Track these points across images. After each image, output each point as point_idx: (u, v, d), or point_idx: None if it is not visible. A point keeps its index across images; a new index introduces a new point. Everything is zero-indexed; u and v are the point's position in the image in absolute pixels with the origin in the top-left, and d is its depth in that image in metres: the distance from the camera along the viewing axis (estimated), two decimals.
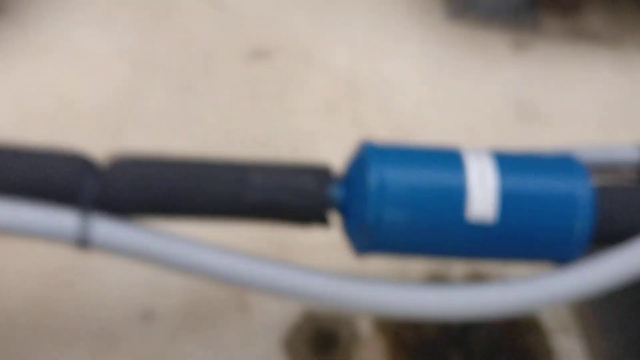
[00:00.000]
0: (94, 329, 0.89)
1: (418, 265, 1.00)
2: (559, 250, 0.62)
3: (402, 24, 1.44)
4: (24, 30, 1.31)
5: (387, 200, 0.58)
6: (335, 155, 1.13)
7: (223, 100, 1.23)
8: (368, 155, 0.61)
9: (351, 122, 1.21)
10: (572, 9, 1.56)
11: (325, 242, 0.89)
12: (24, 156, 0.60)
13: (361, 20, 1.43)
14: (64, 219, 0.56)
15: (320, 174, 0.63)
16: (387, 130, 1.21)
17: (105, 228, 0.58)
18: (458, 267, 1.00)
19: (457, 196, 0.59)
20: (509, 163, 0.63)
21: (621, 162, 0.76)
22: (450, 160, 0.62)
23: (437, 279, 0.97)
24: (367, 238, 0.59)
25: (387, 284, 0.60)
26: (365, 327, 0.91)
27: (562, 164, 0.65)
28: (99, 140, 1.13)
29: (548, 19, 1.51)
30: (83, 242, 0.57)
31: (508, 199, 0.60)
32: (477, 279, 0.97)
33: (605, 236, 0.64)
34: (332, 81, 1.29)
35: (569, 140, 1.25)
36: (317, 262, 0.93)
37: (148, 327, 0.89)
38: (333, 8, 1.44)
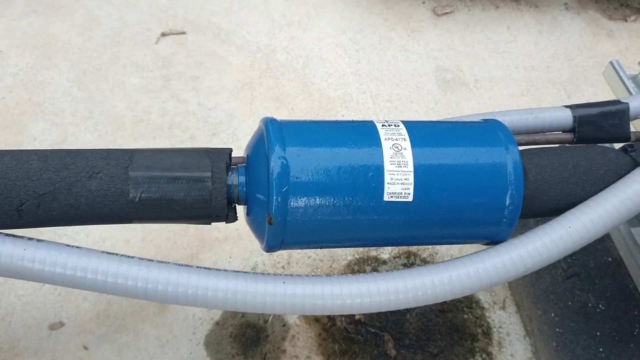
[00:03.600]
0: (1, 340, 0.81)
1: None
2: (488, 228, 0.58)
3: None
4: None
5: (294, 188, 0.51)
6: (242, 128, 1.06)
7: (132, 84, 1.14)
8: (269, 134, 0.53)
9: (273, 100, 1.15)
10: None
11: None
12: None
13: None
14: None
15: (216, 160, 0.54)
16: (310, 106, 1.15)
17: None
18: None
19: (372, 176, 0.53)
20: (427, 134, 0.57)
21: (549, 125, 0.73)
22: (363, 136, 0.56)
23: (366, 261, 0.92)
24: (273, 232, 0.52)
25: (305, 280, 0.55)
26: (293, 318, 0.86)
27: (486, 130, 0.60)
28: (1, 134, 1.03)
29: None
30: None
31: (428, 175, 0.55)
32: (407, 258, 0.93)
33: (535, 209, 0.61)
34: (250, 58, 1.22)
35: (496, 105, 1.22)
36: (241, 252, 0.87)
37: (57, 337, 0.82)
38: None
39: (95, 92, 1.14)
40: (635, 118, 0.76)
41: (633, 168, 0.62)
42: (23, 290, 0.86)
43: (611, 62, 0.88)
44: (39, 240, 0.51)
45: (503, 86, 1.25)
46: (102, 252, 0.53)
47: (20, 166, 0.51)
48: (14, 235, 0.51)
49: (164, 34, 1.25)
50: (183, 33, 1.26)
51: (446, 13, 1.40)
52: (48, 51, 1.19)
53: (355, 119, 1.14)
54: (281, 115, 1.12)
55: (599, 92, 1.26)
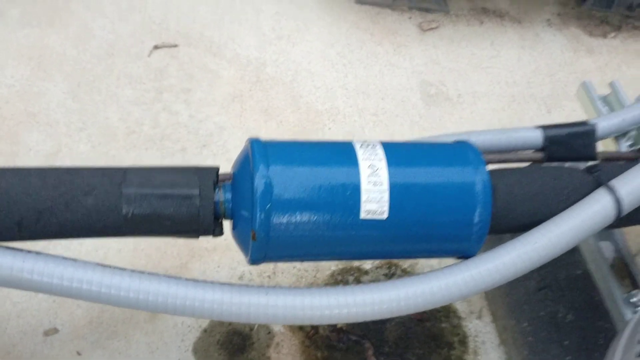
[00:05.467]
0: None
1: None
2: (458, 243, 0.62)
3: (310, 8, 1.41)
4: None
5: (277, 205, 0.55)
6: (231, 143, 1.10)
7: (125, 96, 1.18)
8: (254, 154, 0.57)
9: (262, 113, 1.18)
10: None
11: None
12: None
13: (268, 5, 1.40)
14: None
15: (204, 178, 0.58)
16: (298, 119, 1.19)
17: None
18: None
19: (350, 195, 0.57)
20: (402, 155, 0.61)
21: (522, 144, 0.77)
22: (342, 156, 0.60)
23: (349, 271, 0.96)
24: (258, 246, 0.56)
25: (287, 291, 0.58)
26: (279, 326, 0.90)
27: (457, 152, 0.64)
28: None
29: (455, 2, 1.53)
30: None
31: (400, 194, 0.58)
32: (389, 268, 0.97)
33: (502, 226, 0.64)
34: (241, 71, 1.25)
35: (478, 119, 1.27)
36: (226, 263, 0.91)
37: (52, 342, 0.85)
38: None
39: (88, 104, 1.17)
40: (603, 138, 0.81)
41: (595, 188, 0.66)
42: (18, 297, 0.89)
43: (583, 83, 0.92)
44: (37, 253, 0.55)
45: (486, 101, 1.30)
46: (97, 264, 0.57)
47: (21, 183, 0.55)
48: (13, 248, 0.55)
49: (156, 47, 1.28)
50: (175, 46, 1.29)
51: (432, 28, 1.44)
52: (43, 63, 1.22)
53: (341, 132, 1.18)
54: (270, 127, 1.16)
55: (578, 107, 1.30)
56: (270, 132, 1.15)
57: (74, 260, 0.56)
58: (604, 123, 0.79)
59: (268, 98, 1.23)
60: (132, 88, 1.20)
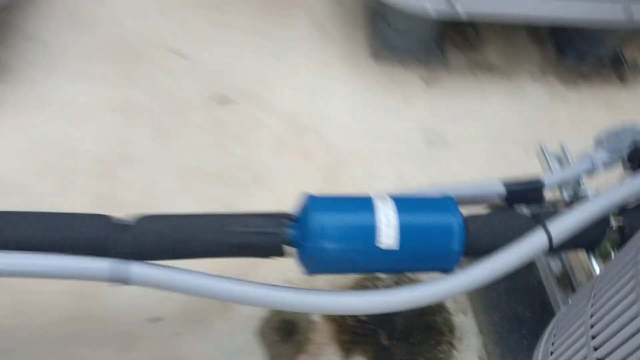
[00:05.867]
0: (116, 331, 1.19)
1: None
2: (442, 264, 0.96)
3: (335, 66, 1.76)
4: (23, 86, 1.57)
5: (325, 238, 0.89)
6: (287, 182, 1.45)
7: (195, 141, 1.52)
8: (310, 206, 0.92)
9: (298, 155, 1.53)
10: (475, 46, 1.91)
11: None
12: (61, 218, 0.89)
13: (302, 65, 1.74)
14: (102, 264, 0.86)
15: (279, 220, 0.93)
16: (327, 159, 1.53)
17: (139, 269, 0.88)
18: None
19: (371, 232, 0.91)
20: (405, 205, 0.95)
21: (489, 194, 1.11)
22: (365, 206, 0.93)
23: (369, 279, 1.31)
24: (312, 264, 0.91)
25: (332, 293, 0.93)
26: (317, 316, 1.24)
27: (442, 203, 0.98)
28: (99, 182, 1.41)
29: (454, 55, 1.86)
30: (125, 281, 0.87)
31: (405, 232, 0.92)
32: (398, 277, 1.32)
33: (472, 252, 0.98)
34: (281, 120, 1.60)
35: (471, 161, 1.60)
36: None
37: (156, 327, 1.20)
38: (279, 56, 1.74)
39: (167, 147, 1.51)
40: (550, 189, 1.14)
41: (536, 226, 1.00)
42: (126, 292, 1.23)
43: (540, 144, 1.26)
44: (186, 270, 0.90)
45: (477, 145, 1.63)
46: (208, 274, 0.91)
47: (171, 225, 0.90)
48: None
49: (216, 100, 1.63)
50: (231, 100, 1.64)
51: (434, 81, 1.78)
52: (129, 114, 1.57)
53: (362, 171, 1.52)
54: (307, 167, 1.50)
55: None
56: (308, 171, 1.49)
57: (201, 273, 0.91)
58: (551, 179, 1.13)
59: (304, 143, 1.57)
60: (200, 136, 1.55)
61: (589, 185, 1.18)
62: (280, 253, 0.93)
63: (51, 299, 1.21)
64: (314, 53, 1.77)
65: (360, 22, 1.87)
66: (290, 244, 0.93)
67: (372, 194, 0.97)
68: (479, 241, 0.98)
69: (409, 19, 1.68)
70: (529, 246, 0.97)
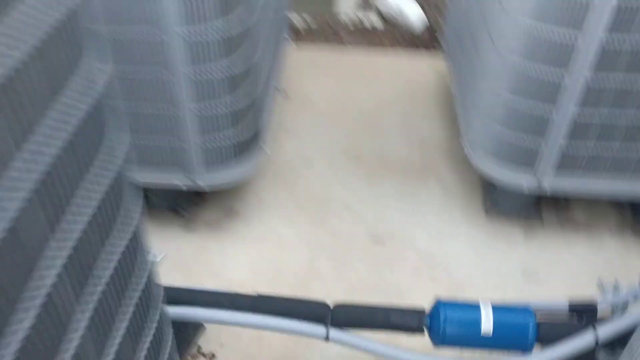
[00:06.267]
0: None
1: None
2: (522, 347, 1.58)
3: (457, 219, 2.46)
4: (249, 226, 2.41)
5: (448, 326, 1.55)
6: (421, 297, 2.12)
7: (359, 267, 2.25)
8: (439, 305, 1.59)
9: (430, 281, 2.20)
10: (565, 206, 2.54)
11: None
12: (296, 303, 1.63)
13: (433, 217, 2.46)
14: (319, 329, 1.58)
15: (418, 313, 1.60)
16: (449, 285, 2.19)
17: (337, 334, 1.58)
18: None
19: (477, 324, 1.56)
20: (500, 309, 1.60)
21: (557, 309, 1.73)
22: (474, 308, 1.59)
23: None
24: (440, 341, 1.56)
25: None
26: None
27: (524, 311, 1.62)
28: (295, 289, 2.16)
29: (547, 213, 2.50)
30: (328, 339, 1.58)
31: (498, 325, 1.57)
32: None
33: (542, 342, 1.59)
34: (418, 255, 2.29)
35: (554, 294, 2.19)
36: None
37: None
38: (417, 210, 2.49)
39: (339, 271, 2.25)
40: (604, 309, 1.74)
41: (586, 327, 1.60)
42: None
43: (598, 279, 1.85)
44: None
45: (562, 283, 2.22)
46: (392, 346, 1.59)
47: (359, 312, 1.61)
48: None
49: (373, 240, 2.36)
50: (383, 241, 2.37)
51: (531, 233, 2.42)
52: (316, 247, 2.34)
53: (473, 295, 2.16)
54: (436, 290, 2.17)
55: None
56: (436, 291, 2.15)
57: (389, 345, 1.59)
58: (604, 301, 1.73)
59: (434, 273, 2.25)
60: (363, 266, 2.27)
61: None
62: (420, 332, 1.60)
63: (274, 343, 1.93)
64: (442, 209, 2.49)
65: (476, 188, 2.58)
66: (425, 328, 1.60)
67: (480, 300, 1.63)
68: (547, 335, 1.60)
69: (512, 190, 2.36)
70: (576, 342, 1.57)
